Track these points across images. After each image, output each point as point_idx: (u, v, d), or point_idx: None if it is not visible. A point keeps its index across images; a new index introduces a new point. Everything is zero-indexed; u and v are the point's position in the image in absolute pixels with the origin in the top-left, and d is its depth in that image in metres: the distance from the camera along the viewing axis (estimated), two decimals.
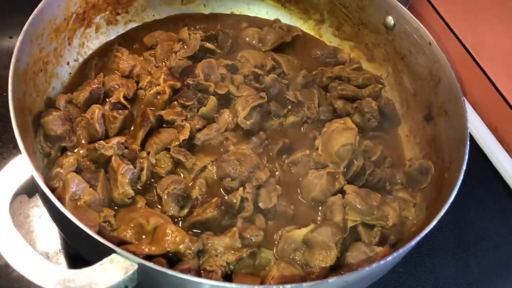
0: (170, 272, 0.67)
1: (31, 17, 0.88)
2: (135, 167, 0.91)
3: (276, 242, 0.91)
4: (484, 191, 1.18)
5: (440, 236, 1.10)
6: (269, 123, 1.07)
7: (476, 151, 1.24)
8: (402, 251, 0.75)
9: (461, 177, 0.83)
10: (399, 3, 1.10)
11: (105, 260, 0.66)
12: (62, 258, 0.95)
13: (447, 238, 1.11)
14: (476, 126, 1.27)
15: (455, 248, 1.10)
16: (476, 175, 1.18)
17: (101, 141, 0.92)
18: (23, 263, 0.65)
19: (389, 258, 0.76)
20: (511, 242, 1.13)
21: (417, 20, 1.07)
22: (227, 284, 0.68)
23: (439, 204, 0.87)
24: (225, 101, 1.07)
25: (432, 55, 1.04)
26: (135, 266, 0.66)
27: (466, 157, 0.86)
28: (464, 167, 0.84)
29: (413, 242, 0.76)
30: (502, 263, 1.10)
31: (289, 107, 1.10)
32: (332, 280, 0.69)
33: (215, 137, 1.02)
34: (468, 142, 0.88)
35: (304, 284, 0.68)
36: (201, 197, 0.93)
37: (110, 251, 0.67)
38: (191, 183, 0.95)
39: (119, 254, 0.67)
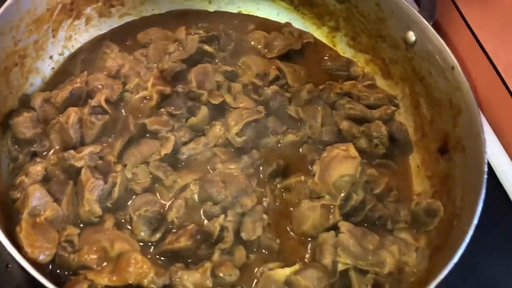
0: None
1: (2, 8, 0.80)
2: (106, 182, 0.82)
3: (256, 280, 0.82)
4: (502, 238, 1.05)
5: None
6: (264, 140, 0.97)
7: (497, 188, 1.11)
8: None
9: (471, 232, 0.73)
10: (422, 18, 0.97)
11: None
12: None
13: None
14: (501, 161, 1.13)
15: None
16: (494, 216, 1.05)
17: (71, 151, 0.84)
18: None
19: None
20: None
21: (441, 40, 0.95)
22: None
23: (443, 257, 0.77)
24: (219, 112, 0.97)
25: (454, 81, 0.92)
26: None
27: (480, 208, 0.75)
28: (475, 221, 0.73)
29: None
30: None
31: (289, 124, 1.00)
32: None
33: (202, 152, 0.92)
34: (484, 191, 0.76)
35: None
36: (177, 221, 0.84)
37: None
38: (169, 203, 0.86)
39: None
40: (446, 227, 0.85)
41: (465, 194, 0.84)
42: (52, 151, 0.87)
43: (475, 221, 0.73)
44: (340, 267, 0.82)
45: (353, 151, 0.91)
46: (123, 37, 1.07)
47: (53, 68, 0.98)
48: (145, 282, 0.73)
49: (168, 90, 0.95)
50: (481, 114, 0.90)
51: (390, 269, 0.83)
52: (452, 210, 0.86)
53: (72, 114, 0.87)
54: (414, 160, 1.02)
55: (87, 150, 0.84)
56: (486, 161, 0.80)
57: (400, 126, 1.02)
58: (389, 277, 0.83)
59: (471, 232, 0.72)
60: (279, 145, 0.98)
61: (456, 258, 0.70)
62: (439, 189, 0.94)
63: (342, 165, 0.88)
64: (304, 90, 1.02)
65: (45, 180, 0.84)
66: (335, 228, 0.86)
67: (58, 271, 0.77)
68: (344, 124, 1.00)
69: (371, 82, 1.08)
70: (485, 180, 0.78)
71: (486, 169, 0.79)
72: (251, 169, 0.93)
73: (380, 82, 1.11)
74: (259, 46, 1.11)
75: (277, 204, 0.91)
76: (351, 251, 0.82)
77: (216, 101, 0.96)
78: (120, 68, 0.98)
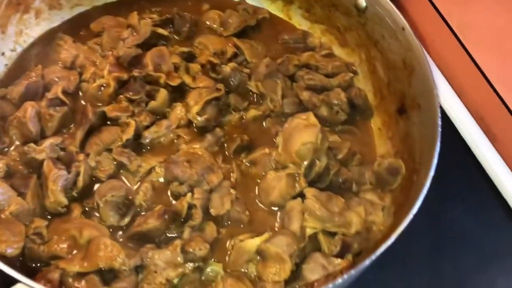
0: None
1: None
2: (69, 172, 0.82)
3: (229, 252, 0.83)
4: (464, 186, 1.09)
5: (414, 237, 1.01)
6: (227, 117, 0.98)
7: (458, 142, 1.14)
8: (355, 272, 0.67)
9: (428, 184, 0.75)
10: None
11: None
12: None
13: (421, 240, 1.02)
14: (460, 115, 1.17)
15: (431, 251, 1.01)
16: (456, 168, 1.09)
17: (31, 144, 0.83)
18: None
19: (344, 278, 0.67)
20: (491, 241, 1.04)
21: (389, 2, 0.96)
22: None
23: (405, 211, 0.79)
24: (179, 93, 0.98)
25: (406, 42, 0.94)
26: None
27: (435, 161, 0.77)
28: (431, 174, 0.75)
29: (367, 261, 0.68)
30: (482, 265, 1.01)
31: (250, 99, 1.01)
32: None
33: (165, 135, 0.93)
34: (439, 144, 0.78)
35: None
36: (145, 204, 0.85)
37: (15, 281, 0.59)
38: (136, 187, 0.87)
39: (24, 283, 0.58)
40: (408, 184, 0.88)
41: (423, 149, 0.86)
42: (13, 147, 0.87)
43: (432, 173, 0.76)
44: (309, 231, 0.84)
45: (313, 119, 0.92)
46: (76, 28, 1.05)
47: (6, 65, 0.97)
48: (116, 264, 0.74)
49: (125, 76, 0.95)
50: (434, 72, 0.92)
51: (357, 229, 0.85)
52: (412, 166, 0.88)
53: (29, 108, 0.87)
54: (375, 123, 1.04)
55: (48, 142, 0.84)
56: (439, 115, 0.82)
57: (359, 92, 1.04)
58: (357, 237, 0.85)
59: (428, 184, 0.74)
60: (242, 121, 0.99)
61: (414, 210, 0.72)
62: (400, 148, 0.96)
63: (303, 134, 0.90)
64: (262, 64, 1.03)
65: (8, 176, 0.83)
66: (301, 195, 0.88)
67: (29, 264, 0.77)
68: (304, 95, 1.01)
69: (329, 52, 1.10)
70: (439, 133, 0.80)
71: (440, 122, 0.81)
72: (216, 147, 0.94)
73: (338, 50, 1.12)
74: (214, 25, 1.11)
75: (244, 178, 0.93)
76: (318, 215, 0.84)
77: (174, 82, 0.97)
78: (75, 58, 0.97)
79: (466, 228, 1.05)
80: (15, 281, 0.59)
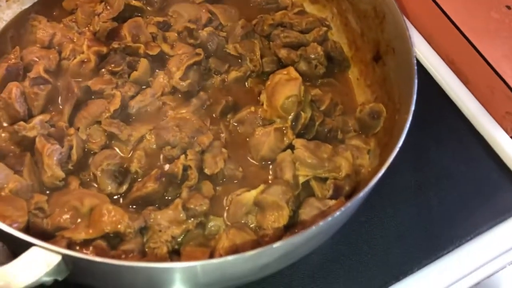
0: (93, 258, 0.61)
1: None
2: (62, 146, 0.84)
3: (227, 208, 0.86)
4: (443, 128, 1.14)
5: (400, 179, 1.06)
6: (209, 81, 1.00)
7: (433, 86, 1.19)
8: (350, 204, 0.71)
9: (410, 118, 0.78)
10: None
11: (24, 255, 0.60)
12: None
13: (407, 181, 1.07)
14: (431, 60, 1.21)
15: (417, 190, 1.06)
16: (433, 111, 1.14)
17: (21, 122, 0.84)
18: None
19: (340, 210, 0.71)
20: (471, 178, 1.09)
21: None
22: (161, 265, 0.63)
23: (390, 149, 0.82)
24: (160, 62, 0.99)
25: None
26: (59, 258, 0.60)
27: (415, 97, 0.81)
28: (412, 108, 0.79)
29: (361, 193, 0.71)
30: (464, 201, 1.07)
31: (230, 62, 1.03)
32: (277, 244, 0.65)
33: (151, 103, 0.94)
34: (416, 81, 0.82)
35: (247, 254, 0.63)
36: (141, 170, 0.87)
37: (28, 245, 0.60)
38: (129, 156, 0.88)
39: (39, 246, 0.60)
40: (390, 125, 0.92)
41: (402, 89, 0.89)
42: (1, 129, 0.87)
43: (413, 107, 0.79)
44: (301, 179, 0.88)
45: (294, 73, 0.95)
46: (48, 8, 1.05)
47: None
48: (121, 227, 0.76)
49: (104, 49, 0.96)
50: (405, 18, 0.95)
51: (347, 172, 0.89)
52: (392, 107, 0.92)
53: (13, 88, 0.87)
54: (353, 73, 1.07)
55: (37, 119, 0.85)
56: (414, 54, 0.86)
57: (334, 44, 1.07)
58: (347, 180, 0.89)
59: (410, 117, 0.78)
60: (225, 83, 1.01)
61: (400, 142, 0.76)
62: (379, 94, 0.99)
63: (286, 88, 0.92)
64: (238, 26, 1.05)
65: (1, 157, 0.84)
66: (290, 147, 0.91)
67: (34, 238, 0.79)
68: (282, 52, 1.03)
69: (300, 9, 1.12)
70: (415, 71, 0.83)
71: (415, 60, 0.85)
72: (202, 110, 0.96)
73: (309, 8, 1.14)
74: None
75: (233, 137, 0.95)
76: (308, 162, 0.88)
77: (153, 52, 0.98)
78: (52, 37, 0.97)
79: (448, 167, 1.10)
80: (28, 245, 0.60)
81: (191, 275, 0.65)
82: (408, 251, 0.98)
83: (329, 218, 0.67)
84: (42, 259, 0.60)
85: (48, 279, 0.61)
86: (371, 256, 0.97)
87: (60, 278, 0.63)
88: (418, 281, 0.94)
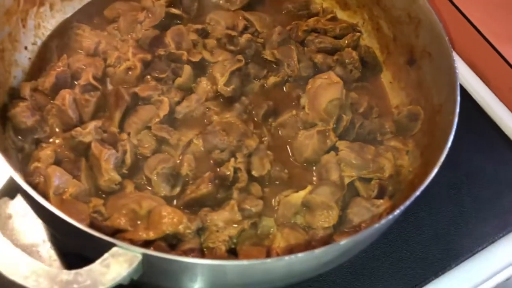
0: (177, 258, 0.64)
1: None
2: (117, 151, 0.86)
3: (276, 208, 0.89)
4: (468, 128, 1.17)
5: (433, 179, 1.09)
6: (249, 86, 1.03)
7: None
8: (407, 203, 0.74)
9: (456, 119, 0.82)
10: None
11: (107, 255, 0.62)
12: (55, 258, 0.89)
13: (440, 180, 1.10)
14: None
15: (450, 189, 1.09)
16: (460, 113, 1.18)
17: (78, 128, 0.86)
18: (17, 271, 0.61)
19: (398, 210, 0.74)
20: (500, 176, 1.13)
21: None
22: (233, 262, 0.66)
23: (434, 149, 0.86)
24: (200, 69, 1.02)
25: None
26: (139, 257, 0.62)
27: (459, 98, 0.84)
28: (457, 109, 0.83)
29: (418, 192, 0.74)
30: (495, 198, 1.10)
31: (268, 67, 1.06)
32: (344, 242, 0.67)
33: (196, 109, 0.97)
34: (459, 82, 0.86)
35: (316, 251, 0.65)
36: (191, 173, 0.89)
37: (110, 245, 0.63)
38: (179, 160, 0.91)
39: (120, 247, 0.62)
40: (429, 126, 0.95)
41: (441, 91, 0.93)
42: (55, 136, 0.89)
43: (457, 109, 0.83)
44: (347, 180, 0.91)
45: (334, 77, 0.98)
46: (89, 16, 1.07)
47: (30, 58, 0.99)
48: (181, 228, 0.78)
49: (149, 57, 0.98)
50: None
51: (390, 172, 0.92)
52: (431, 109, 0.95)
53: (67, 95, 0.89)
54: (385, 77, 1.11)
55: (91, 125, 0.87)
56: (454, 58, 0.89)
57: (367, 49, 1.10)
58: (390, 180, 0.92)
59: (456, 118, 0.81)
60: (264, 88, 1.04)
61: (449, 143, 0.79)
62: (414, 96, 1.03)
63: (328, 91, 0.96)
64: (274, 33, 1.07)
65: (57, 163, 0.86)
66: (333, 149, 0.94)
67: None
68: (318, 57, 1.06)
69: (332, 15, 1.15)
70: (457, 74, 0.87)
71: (455, 64, 0.88)
72: (245, 115, 0.99)
73: (340, 14, 1.17)
74: (221, 1, 1.14)
75: (275, 141, 0.98)
76: (354, 163, 0.91)
77: (196, 58, 1.00)
78: (97, 45, 1.00)
79: (477, 166, 1.13)
80: (109, 246, 0.63)
81: (274, 270, 0.67)
82: (445, 248, 1.01)
83: (397, 211, 0.70)
84: (124, 260, 0.62)
85: (128, 278, 0.63)
86: (410, 254, 1.00)
87: (135, 278, 0.65)
88: (458, 276, 0.97)
